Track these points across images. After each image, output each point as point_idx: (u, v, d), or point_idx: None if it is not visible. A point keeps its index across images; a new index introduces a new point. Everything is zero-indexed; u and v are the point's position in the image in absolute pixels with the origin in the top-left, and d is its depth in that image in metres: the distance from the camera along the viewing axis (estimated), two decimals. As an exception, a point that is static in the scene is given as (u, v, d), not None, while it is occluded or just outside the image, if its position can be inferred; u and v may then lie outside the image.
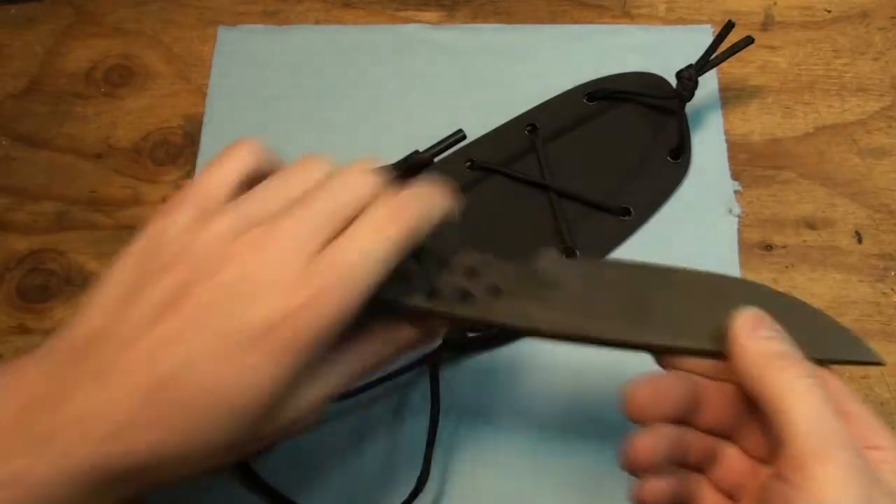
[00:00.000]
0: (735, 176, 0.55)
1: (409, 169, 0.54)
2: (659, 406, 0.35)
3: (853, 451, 0.31)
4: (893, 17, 0.60)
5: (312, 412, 0.35)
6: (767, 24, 0.60)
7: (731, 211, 0.54)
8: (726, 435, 0.36)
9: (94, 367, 0.32)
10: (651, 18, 0.60)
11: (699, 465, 0.37)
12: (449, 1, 0.61)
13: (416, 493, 0.45)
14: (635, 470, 0.35)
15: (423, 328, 0.39)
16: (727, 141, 0.56)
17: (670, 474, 0.36)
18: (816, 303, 0.51)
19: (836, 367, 0.37)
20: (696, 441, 0.36)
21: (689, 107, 0.55)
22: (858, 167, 0.55)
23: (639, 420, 0.36)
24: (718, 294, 0.38)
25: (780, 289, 0.51)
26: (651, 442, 0.35)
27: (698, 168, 0.55)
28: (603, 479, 0.46)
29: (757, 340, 0.34)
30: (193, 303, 0.32)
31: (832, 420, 0.32)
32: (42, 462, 0.31)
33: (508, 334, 0.50)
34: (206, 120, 0.58)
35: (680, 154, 0.55)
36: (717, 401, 0.36)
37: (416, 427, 0.47)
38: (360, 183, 0.36)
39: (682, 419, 0.36)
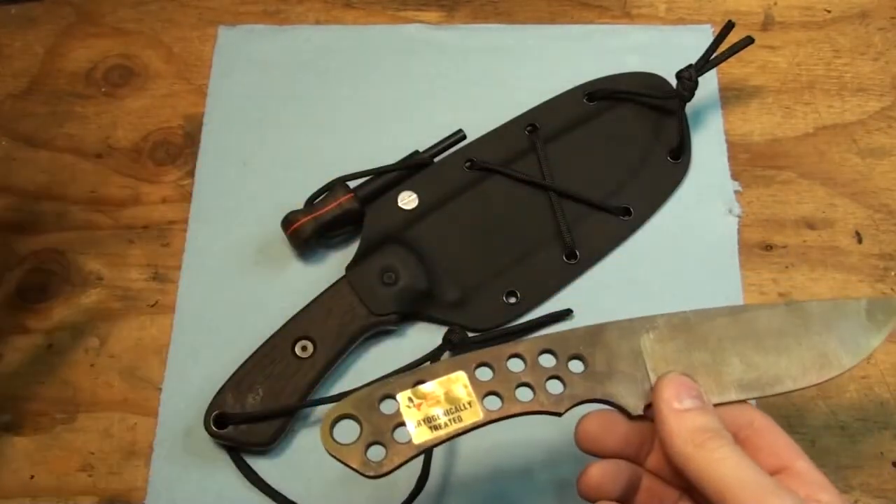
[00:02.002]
0: (735, 176, 0.55)
1: (409, 169, 0.54)
2: (606, 439, 0.37)
3: (792, 498, 0.32)
4: (893, 18, 0.60)
5: None
6: (767, 24, 0.60)
7: (731, 211, 0.54)
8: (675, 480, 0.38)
9: None
10: (651, 18, 0.60)
11: None
12: (449, 1, 0.61)
13: (416, 493, 0.45)
14: (588, 499, 0.37)
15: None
16: (727, 141, 0.56)
17: None
18: (816, 303, 0.51)
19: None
20: (647, 483, 0.38)
21: (689, 107, 0.55)
22: (858, 167, 0.55)
23: (588, 451, 0.38)
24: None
25: (780, 289, 0.52)
26: (600, 472, 0.37)
27: (698, 168, 0.55)
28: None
29: (678, 416, 0.35)
30: None
31: (762, 477, 0.33)
32: None
33: (508, 335, 0.51)
34: (206, 120, 0.58)
35: (680, 154, 0.55)
36: (648, 484, 0.38)
37: (416, 427, 0.47)
38: None
39: (633, 458, 0.38)
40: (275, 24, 0.61)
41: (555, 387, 0.37)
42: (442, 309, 0.51)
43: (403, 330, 0.51)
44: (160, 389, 0.50)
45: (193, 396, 0.49)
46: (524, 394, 0.37)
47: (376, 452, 0.35)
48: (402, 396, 0.36)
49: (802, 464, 0.35)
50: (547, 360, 0.37)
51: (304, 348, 0.49)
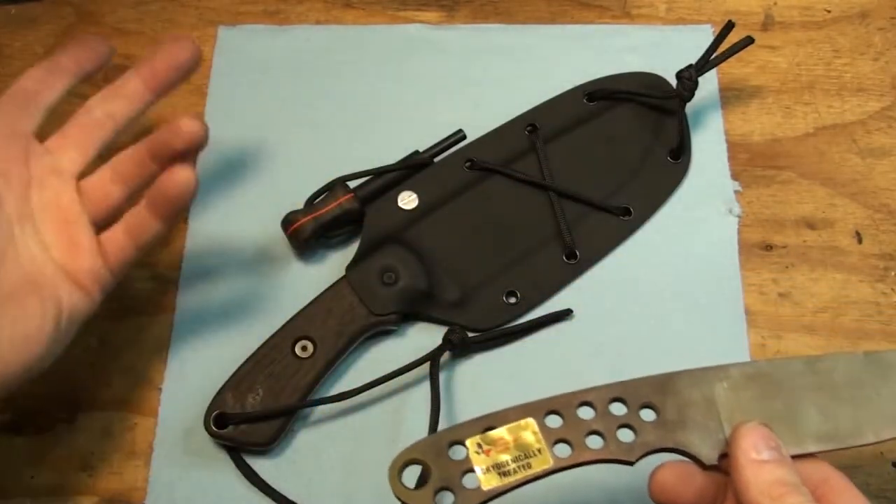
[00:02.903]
0: (735, 176, 0.55)
1: (409, 169, 0.54)
2: (680, 491, 0.37)
3: None
4: (893, 18, 0.60)
5: None
6: (767, 24, 0.60)
7: (731, 211, 0.54)
8: None
9: None
10: (651, 18, 0.60)
11: None
12: (449, 1, 0.61)
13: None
14: None
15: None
16: (727, 141, 0.56)
17: None
18: (816, 303, 0.51)
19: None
20: None
21: (689, 107, 0.55)
22: (858, 167, 0.55)
23: (661, 503, 0.37)
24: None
25: (780, 289, 0.52)
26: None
27: (698, 168, 0.55)
28: (602, 476, 0.46)
29: (756, 468, 0.35)
30: None
31: None
32: None
33: (508, 335, 0.51)
34: (206, 120, 0.57)
35: (680, 154, 0.55)
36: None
37: (416, 427, 0.47)
38: None
39: None
40: (275, 24, 0.61)
41: (626, 435, 0.36)
42: (442, 309, 0.51)
43: (403, 330, 0.51)
44: (160, 389, 0.50)
45: (193, 396, 0.49)
46: (594, 441, 0.36)
47: (447, 498, 0.35)
48: (471, 442, 0.35)
49: None
50: (617, 409, 0.37)
51: (304, 348, 0.49)
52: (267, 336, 0.49)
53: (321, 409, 0.49)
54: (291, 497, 0.47)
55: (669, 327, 0.51)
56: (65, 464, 0.49)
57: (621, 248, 0.53)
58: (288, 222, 0.51)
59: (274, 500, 0.47)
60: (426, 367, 0.48)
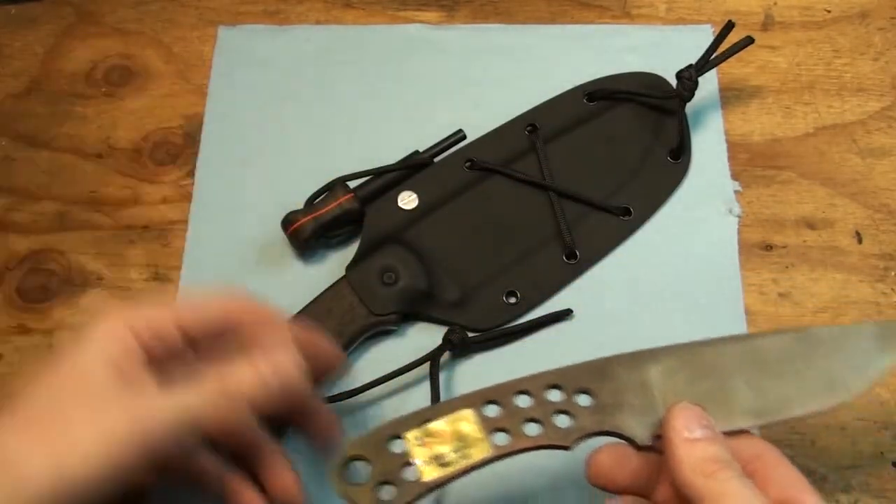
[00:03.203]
0: (735, 176, 0.55)
1: (409, 169, 0.54)
2: (616, 473, 0.38)
3: None
4: (893, 18, 0.60)
5: None
6: (767, 24, 0.60)
7: (731, 211, 0.54)
8: None
9: None
10: (651, 18, 0.60)
11: None
12: (449, 1, 0.61)
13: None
14: None
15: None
16: (727, 141, 0.56)
17: None
18: (816, 303, 0.51)
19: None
20: None
21: (689, 107, 0.55)
22: (858, 167, 0.55)
23: (598, 485, 0.38)
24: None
25: (780, 289, 0.52)
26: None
27: (698, 168, 0.55)
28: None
29: (688, 446, 0.35)
30: None
31: None
32: None
33: (508, 335, 0.51)
34: (206, 120, 0.58)
35: (680, 154, 0.55)
36: (671, 480, 0.38)
37: (416, 427, 0.47)
38: None
39: (643, 492, 0.38)
40: (275, 24, 0.61)
41: (562, 421, 0.37)
42: (442, 309, 0.51)
43: (403, 330, 0.51)
44: (160, 389, 0.50)
45: (193, 396, 0.49)
46: (532, 429, 0.37)
47: (387, 492, 0.35)
48: (410, 436, 0.36)
49: (810, 498, 0.35)
50: (554, 395, 0.37)
51: (304, 348, 0.49)
52: (267, 336, 0.49)
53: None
54: (291, 497, 0.47)
55: (669, 327, 0.51)
56: (65, 464, 0.49)
57: (621, 248, 0.53)
58: (288, 222, 0.51)
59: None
60: (426, 367, 0.48)
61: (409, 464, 0.36)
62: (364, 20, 0.61)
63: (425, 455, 0.36)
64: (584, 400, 0.37)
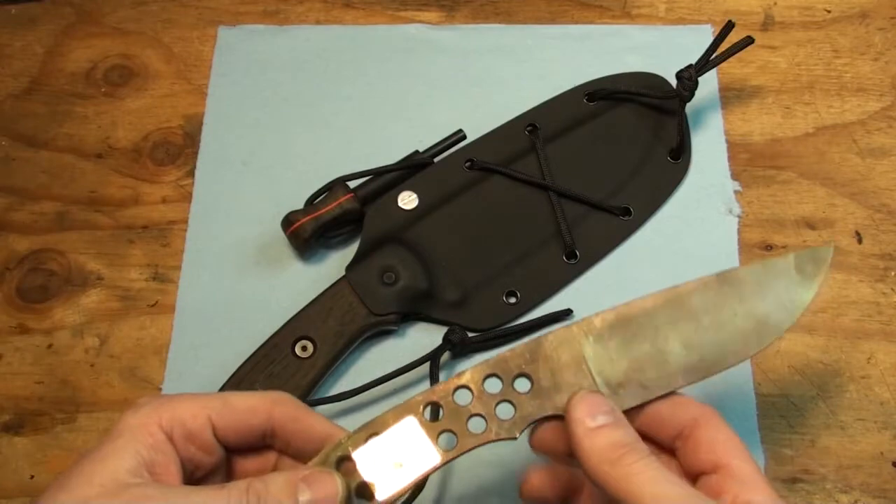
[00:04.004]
0: (735, 176, 0.55)
1: (409, 169, 0.54)
2: (547, 491, 0.39)
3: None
4: (893, 18, 0.60)
5: None
6: (767, 24, 0.60)
7: (731, 211, 0.54)
8: None
9: None
10: (651, 18, 0.60)
11: None
12: (449, 1, 0.61)
13: (415, 493, 0.45)
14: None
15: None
16: (727, 141, 0.56)
17: None
18: (816, 302, 0.51)
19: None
20: None
21: (689, 107, 0.55)
22: (858, 167, 0.55)
23: (530, 500, 0.39)
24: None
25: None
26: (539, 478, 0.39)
27: (698, 168, 0.55)
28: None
29: (592, 435, 0.35)
30: None
31: (679, 488, 0.33)
32: None
33: (508, 335, 0.51)
34: (206, 120, 0.58)
35: (680, 154, 0.55)
36: (590, 488, 0.38)
37: (416, 427, 0.47)
38: None
39: (572, 498, 0.39)
40: (275, 24, 0.61)
41: (506, 412, 0.37)
42: (442, 309, 0.51)
43: (403, 330, 0.51)
44: (160, 389, 0.50)
45: (193, 396, 0.49)
46: (477, 424, 0.36)
47: None
48: (358, 455, 0.35)
49: (739, 462, 0.35)
50: (493, 386, 0.37)
51: (304, 348, 0.49)
52: (267, 336, 0.49)
53: (321, 409, 0.49)
54: (291, 497, 0.47)
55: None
56: (65, 464, 0.49)
57: (621, 248, 0.53)
58: (288, 222, 0.51)
59: (274, 500, 0.47)
60: (426, 367, 0.48)
61: (362, 484, 0.35)
62: (364, 20, 0.61)
63: (376, 473, 0.35)
64: (523, 385, 0.37)
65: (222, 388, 0.48)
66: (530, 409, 0.37)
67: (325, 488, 0.34)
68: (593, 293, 0.52)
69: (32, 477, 0.48)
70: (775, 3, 0.61)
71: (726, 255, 0.53)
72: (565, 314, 0.51)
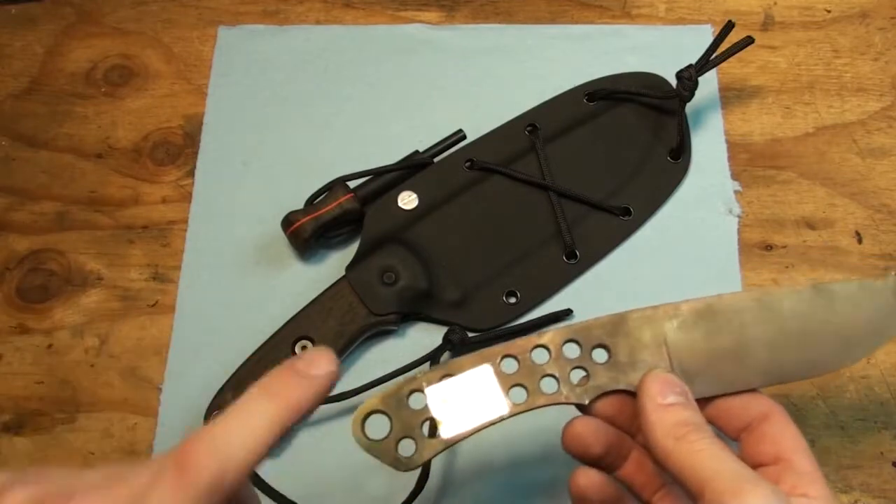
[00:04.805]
0: (735, 176, 0.55)
1: (409, 169, 0.54)
2: (591, 444, 0.38)
3: (769, 487, 0.32)
4: (893, 18, 0.60)
5: None
6: (767, 24, 0.60)
7: (731, 211, 0.54)
8: (649, 493, 0.39)
9: None
10: (651, 18, 0.60)
11: None
12: (449, 1, 0.61)
13: (416, 493, 0.45)
14: (573, 453, 0.39)
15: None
16: (727, 141, 0.56)
17: None
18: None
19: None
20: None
21: (689, 107, 0.55)
22: (858, 167, 0.55)
23: (572, 453, 0.39)
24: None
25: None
26: (586, 479, 0.38)
27: (698, 168, 0.55)
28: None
29: (661, 411, 0.36)
30: None
31: (739, 467, 0.33)
32: None
33: (508, 335, 0.51)
34: (206, 120, 0.58)
35: (680, 154, 0.55)
36: (638, 457, 0.39)
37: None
38: None
39: (610, 464, 0.39)
40: (275, 24, 0.61)
41: (579, 378, 0.37)
42: (442, 309, 0.51)
43: (403, 330, 0.51)
44: (160, 389, 0.50)
45: (193, 396, 0.49)
46: (549, 385, 0.37)
47: (407, 447, 0.36)
48: (430, 391, 0.36)
49: (799, 456, 0.35)
50: (571, 351, 0.38)
51: (304, 348, 0.49)
52: (267, 336, 0.49)
53: (321, 409, 0.49)
54: (291, 497, 0.47)
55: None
56: (65, 464, 0.49)
57: (621, 248, 0.53)
58: (288, 222, 0.51)
59: (274, 499, 0.47)
60: (426, 367, 0.48)
61: (428, 419, 0.36)
62: (364, 20, 0.61)
63: (444, 411, 0.36)
64: (600, 356, 0.38)
65: (222, 389, 0.48)
66: (604, 380, 0.37)
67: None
68: (593, 293, 0.52)
69: (32, 477, 0.48)
70: (775, 3, 0.61)
71: (726, 255, 0.53)
72: (565, 314, 0.51)
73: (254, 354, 0.49)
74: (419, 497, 0.46)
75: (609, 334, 0.38)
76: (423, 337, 0.51)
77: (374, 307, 0.49)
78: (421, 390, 0.36)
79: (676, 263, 0.52)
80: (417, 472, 0.45)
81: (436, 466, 0.47)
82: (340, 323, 0.49)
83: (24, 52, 0.61)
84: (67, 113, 0.59)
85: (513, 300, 0.51)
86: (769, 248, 0.53)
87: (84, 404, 0.50)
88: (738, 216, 0.54)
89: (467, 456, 0.48)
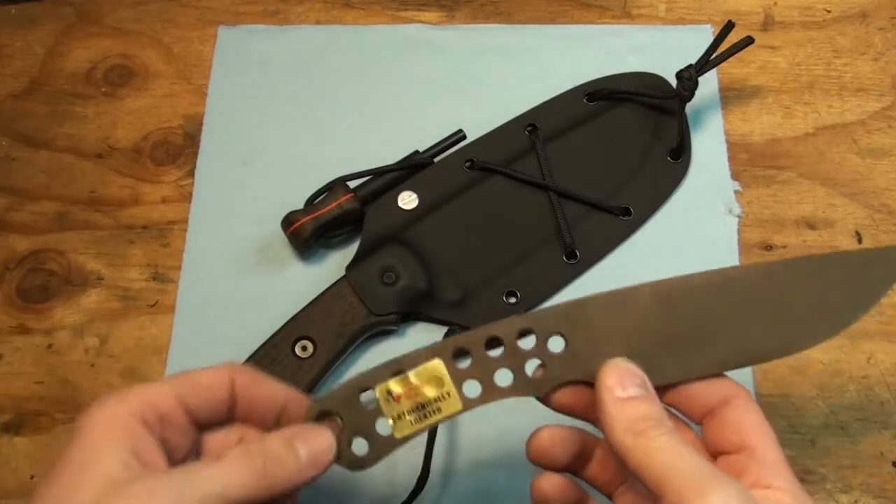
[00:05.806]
0: (735, 176, 0.55)
1: (409, 169, 0.54)
2: (556, 453, 0.38)
3: (732, 485, 0.31)
4: (893, 18, 0.60)
5: None
6: (767, 24, 0.60)
7: (731, 211, 0.54)
8: (612, 488, 0.38)
9: None
10: (651, 18, 0.60)
11: None
12: (449, 1, 0.61)
13: (416, 493, 0.45)
14: (537, 463, 0.38)
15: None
16: (727, 141, 0.56)
17: None
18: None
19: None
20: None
21: (689, 107, 0.55)
22: (858, 167, 0.55)
23: (537, 464, 0.38)
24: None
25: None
26: (549, 484, 0.38)
27: (698, 168, 0.55)
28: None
29: (620, 405, 0.34)
30: None
31: (700, 464, 0.32)
32: None
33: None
34: (206, 120, 0.58)
35: (680, 154, 0.55)
36: (601, 456, 0.38)
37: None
38: None
39: (574, 468, 0.38)
40: (275, 24, 0.61)
41: (535, 369, 0.36)
42: (442, 309, 0.51)
43: (403, 330, 0.51)
44: (160, 389, 0.50)
45: (193, 396, 0.49)
46: (504, 377, 0.36)
47: (360, 446, 0.35)
48: (380, 391, 0.35)
49: (764, 446, 0.34)
50: (526, 342, 0.36)
51: (304, 348, 0.49)
52: (267, 336, 0.49)
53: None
54: (291, 497, 0.47)
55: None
56: (65, 464, 0.49)
57: (621, 248, 0.53)
58: (288, 222, 0.51)
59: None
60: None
61: (381, 418, 0.35)
62: (364, 20, 0.61)
63: (396, 409, 0.35)
64: (556, 344, 0.36)
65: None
66: (560, 371, 0.36)
67: (319, 441, 0.35)
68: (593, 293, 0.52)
69: (32, 477, 0.48)
70: (775, 3, 0.61)
71: (726, 255, 0.53)
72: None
73: (254, 354, 0.49)
74: (419, 496, 0.45)
75: (566, 323, 0.36)
76: (423, 337, 0.51)
77: (374, 307, 0.49)
78: (371, 388, 0.35)
79: (676, 263, 0.52)
80: (417, 472, 0.45)
81: (436, 467, 0.47)
82: (340, 323, 0.49)
83: (24, 52, 0.61)
84: (67, 113, 0.59)
85: (513, 300, 0.51)
86: (769, 248, 0.53)
87: (84, 404, 0.50)
88: (738, 216, 0.54)
89: (468, 455, 0.48)
